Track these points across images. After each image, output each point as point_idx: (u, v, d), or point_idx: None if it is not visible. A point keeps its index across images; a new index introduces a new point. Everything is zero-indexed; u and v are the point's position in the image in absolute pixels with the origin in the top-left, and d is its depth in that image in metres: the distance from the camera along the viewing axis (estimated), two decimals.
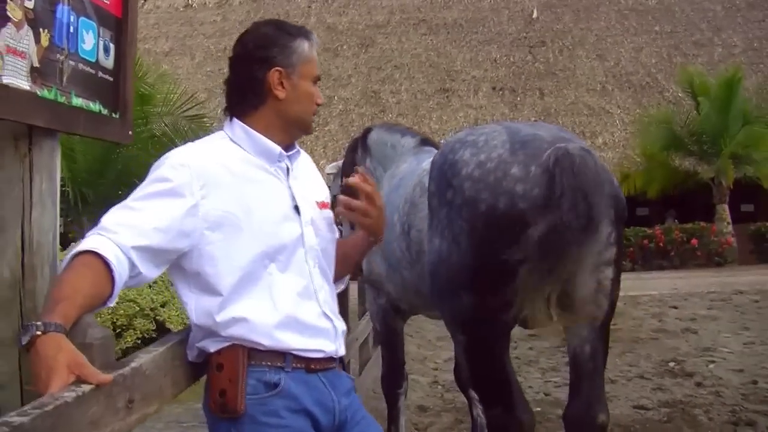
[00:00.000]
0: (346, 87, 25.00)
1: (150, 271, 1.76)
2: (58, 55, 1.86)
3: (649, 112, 21.63)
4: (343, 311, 3.19)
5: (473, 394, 4.53)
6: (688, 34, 26.00)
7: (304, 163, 2.15)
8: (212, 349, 1.87)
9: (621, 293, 2.93)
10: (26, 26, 1.73)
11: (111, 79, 2.13)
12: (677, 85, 22.08)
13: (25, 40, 1.73)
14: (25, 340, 1.42)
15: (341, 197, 2.07)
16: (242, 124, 2.01)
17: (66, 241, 8.41)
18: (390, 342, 4.38)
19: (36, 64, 1.77)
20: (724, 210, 19.66)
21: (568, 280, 2.75)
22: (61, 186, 2.34)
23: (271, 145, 1.99)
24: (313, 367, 1.93)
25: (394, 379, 4.39)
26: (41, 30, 1.79)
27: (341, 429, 1.99)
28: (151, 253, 1.74)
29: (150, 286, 6.71)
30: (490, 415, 2.98)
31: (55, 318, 1.44)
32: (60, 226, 2.02)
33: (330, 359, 1.99)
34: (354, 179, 2.04)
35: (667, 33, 26.12)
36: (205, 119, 14.10)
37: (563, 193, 2.51)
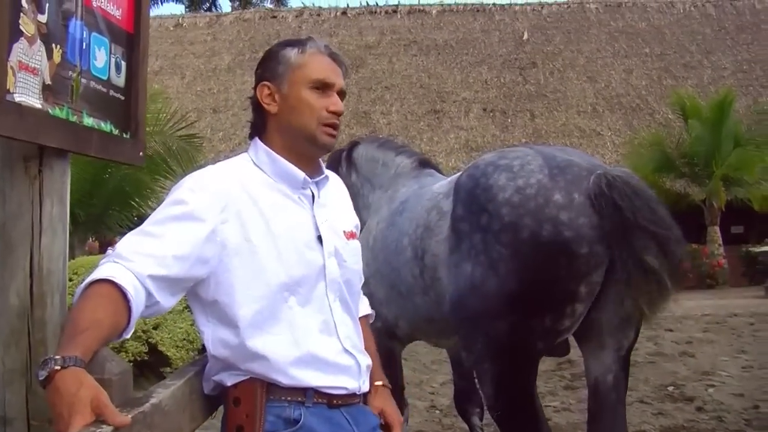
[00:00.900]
0: None
1: (167, 301, 1.67)
2: (70, 72, 1.77)
3: (640, 134, 21.64)
4: None
5: (476, 422, 4.43)
6: (678, 57, 26.17)
7: (334, 189, 2.06)
8: (229, 383, 1.78)
9: None
10: (39, 41, 1.64)
11: (122, 97, 2.03)
12: (668, 107, 22.18)
13: (38, 55, 1.64)
14: (42, 375, 1.32)
15: None
16: (264, 146, 1.92)
17: None
18: (386, 366, 4.24)
19: (48, 82, 1.67)
20: (715, 232, 19.67)
21: (603, 307, 2.70)
22: None
23: (294, 171, 1.90)
24: (335, 402, 1.83)
25: None
26: (54, 45, 1.70)
27: None
28: (169, 282, 1.66)
29: None
30: None
31: (74, 351, 1.35)
32: None
33: (353, 395, 1.90)
34: None
35: (657, 55, 26.28)
36: (195, 139, 14.05)
37: (628, 227, 2.52)
